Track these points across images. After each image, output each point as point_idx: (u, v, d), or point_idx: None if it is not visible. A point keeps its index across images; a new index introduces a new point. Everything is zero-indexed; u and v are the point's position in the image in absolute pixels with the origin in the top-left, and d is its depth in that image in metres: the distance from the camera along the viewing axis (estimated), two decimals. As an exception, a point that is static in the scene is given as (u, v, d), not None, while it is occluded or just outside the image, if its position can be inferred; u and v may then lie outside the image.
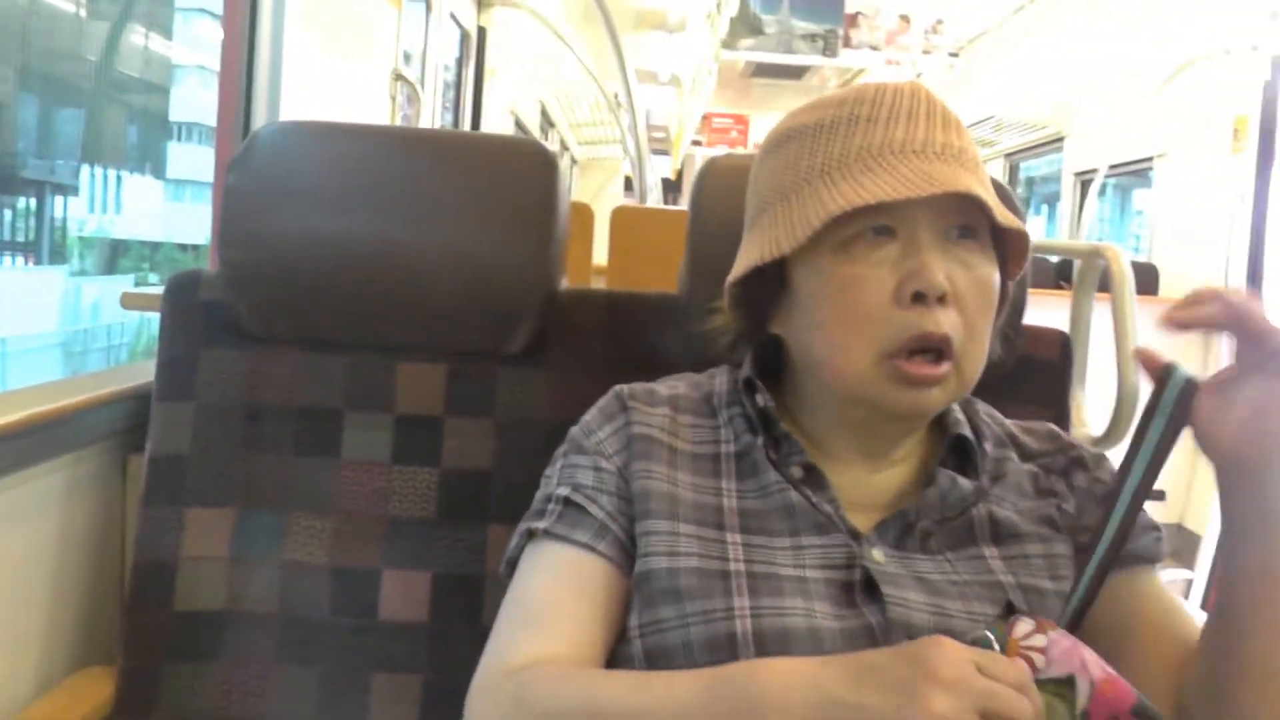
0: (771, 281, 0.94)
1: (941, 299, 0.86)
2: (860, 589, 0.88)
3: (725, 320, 1.00)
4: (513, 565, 0.96)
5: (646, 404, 0.99)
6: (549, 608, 0.90)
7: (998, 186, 1.15)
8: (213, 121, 1.98)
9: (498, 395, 1.25)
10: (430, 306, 1.23)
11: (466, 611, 1.21)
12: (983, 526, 0.94)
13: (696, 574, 0.88)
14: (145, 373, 1.35)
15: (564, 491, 0.95)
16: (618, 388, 1.02)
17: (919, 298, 0.85)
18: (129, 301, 1.55)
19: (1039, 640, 0.79)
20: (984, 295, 0.89)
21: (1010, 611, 0.88)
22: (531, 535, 0.95)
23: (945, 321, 0.86)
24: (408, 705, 1.19)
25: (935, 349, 0.86)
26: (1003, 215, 0.88)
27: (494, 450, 1.24)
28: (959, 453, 0.98)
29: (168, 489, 1.22)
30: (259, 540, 1.21)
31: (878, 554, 0.90)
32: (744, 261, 0.94)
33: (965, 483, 0.94)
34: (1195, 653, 0.86)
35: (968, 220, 0.88)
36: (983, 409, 1.04)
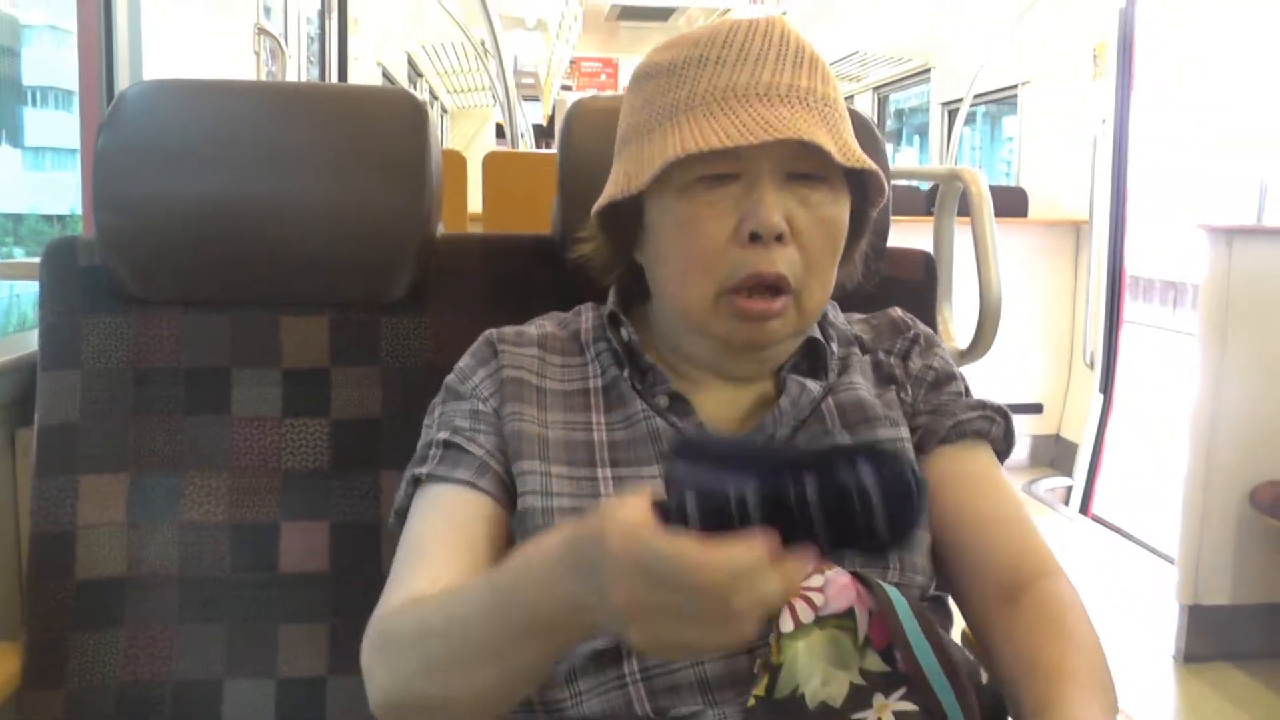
0: (630, 212, 0.98)
1: (779, 238, 0.90)
2: None
3: (593, 248, 1.05)
4: (401, 515, 1.00)
5: (515, 346, 1.03)
6: (430, 546, 0.94)
7: (858, 121, 1.20)
8: (69, 84, 1.93)
9: (382, 343, 1.27)
10: (310, 259, 1.24)
11: (365, 558, 1.24)
12: (833, 415, 1.00)
13: (570, 513, 0.93)
14: (26, 344, 1.34)
15: (444, 435, 0.99)
16: (488, 332, 1.06)
17: (755, 238, 0.90)
18: (5, 271, 1.53)
19: (816, 580, 0.84)
20: (827, 233, 0.93)
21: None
22: (417, 482, 0.98)
23: (780, 260, 0.91)
24: (315, 654, 1.22)
25: (771, 286, 0.91)
26: (846, 158, 0.90)
27: (381, 398, 1.26)
28: (810, 355, 1.03)
29: (60, 458, 1.22)
30: (155, 503, 1.22)
31: None
32: (605, 194, 0.98)
33: (813, 385, 1.00)
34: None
35: (809, 164, 0.91)
36: (831, 311, 1.09)
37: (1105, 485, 4.45)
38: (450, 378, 1.04)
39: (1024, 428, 4.97)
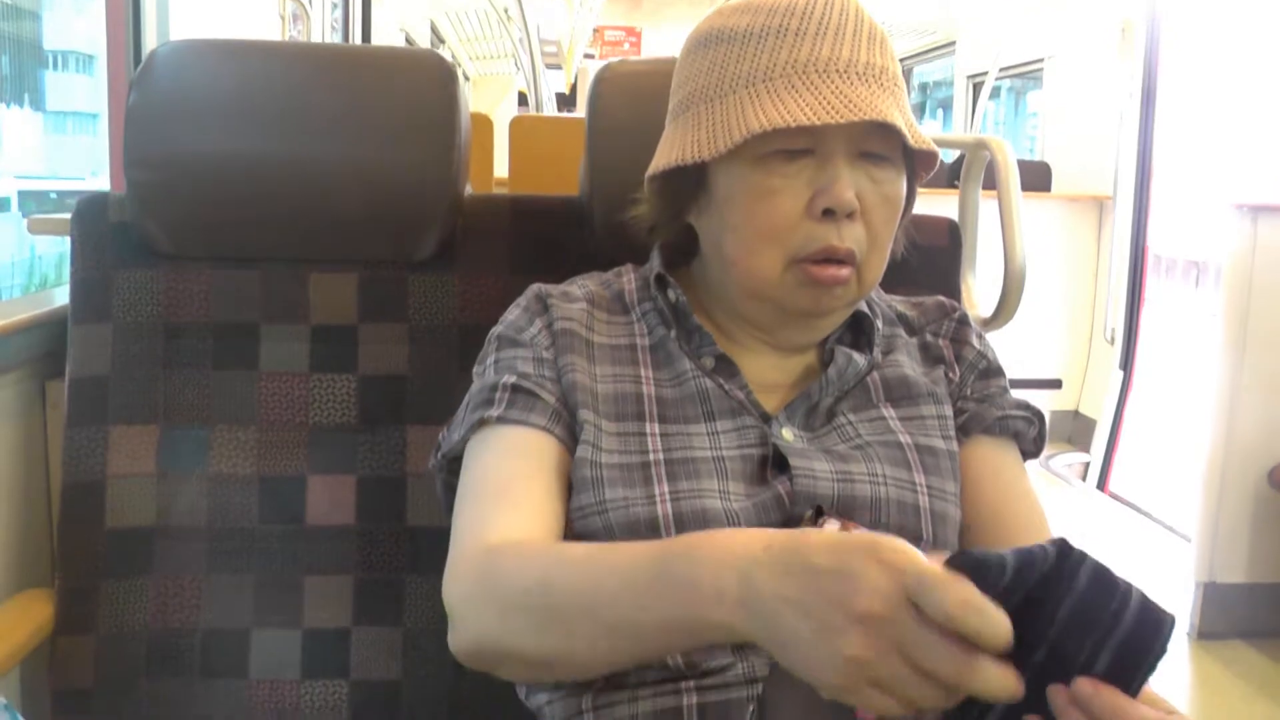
0: (691, 178, 0.98)
1: (850, 215, 0.92)
2: (771, 465, 0.95)
3: (645, 210, 1.05)
4: (450, 460, 0.99)
5: (564, 301, 1.03)
6: (515, 487, 0.92)
7: None
8: (89, 49, 1.95)
9: (409, 301, 1.28)
10: (339, 217, 1.25)
11: (391, 512, 1.25)
12: (878, 389, 1.02)
13: (618, 468, 0.94)
14: (56, 299, 1.35)
15: (511, 379, 0.97)
16: (536, 286, 1.05)
17: (829, 213, 0.91)
18: (36, 226, 1.54)
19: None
20: (890, 210, 0.95)
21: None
22: (482, 423, 0.96)
23: (850, 236, 0.92)
24: (340, 605, 1.24)
25: (839, 260, 0.93)
26: (916, 140, 0.92)
27: (408, 355, 1.27)
28: (855, 330, 1.05)
29: (91, 410, 1.24)
30: (184, 455, 1.24)
31: (787, 434, 0.97)
32: (665, 157, 0.98)
33: (859, 357, 1.01)
34: None
35: (882, 145, 0.93)
36: (874, 293, 1.10)
37: (1123, 462, 4.45)
38: (501, 329, 1.03)
39: (1043, 403, 4.96)
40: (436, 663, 1.23)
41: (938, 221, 1.35)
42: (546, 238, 1.29)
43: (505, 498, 0.91)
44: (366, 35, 5.01)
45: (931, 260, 1.30)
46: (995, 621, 0.58)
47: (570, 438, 0.96)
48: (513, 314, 1.04)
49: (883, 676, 0.60)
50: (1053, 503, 4.16)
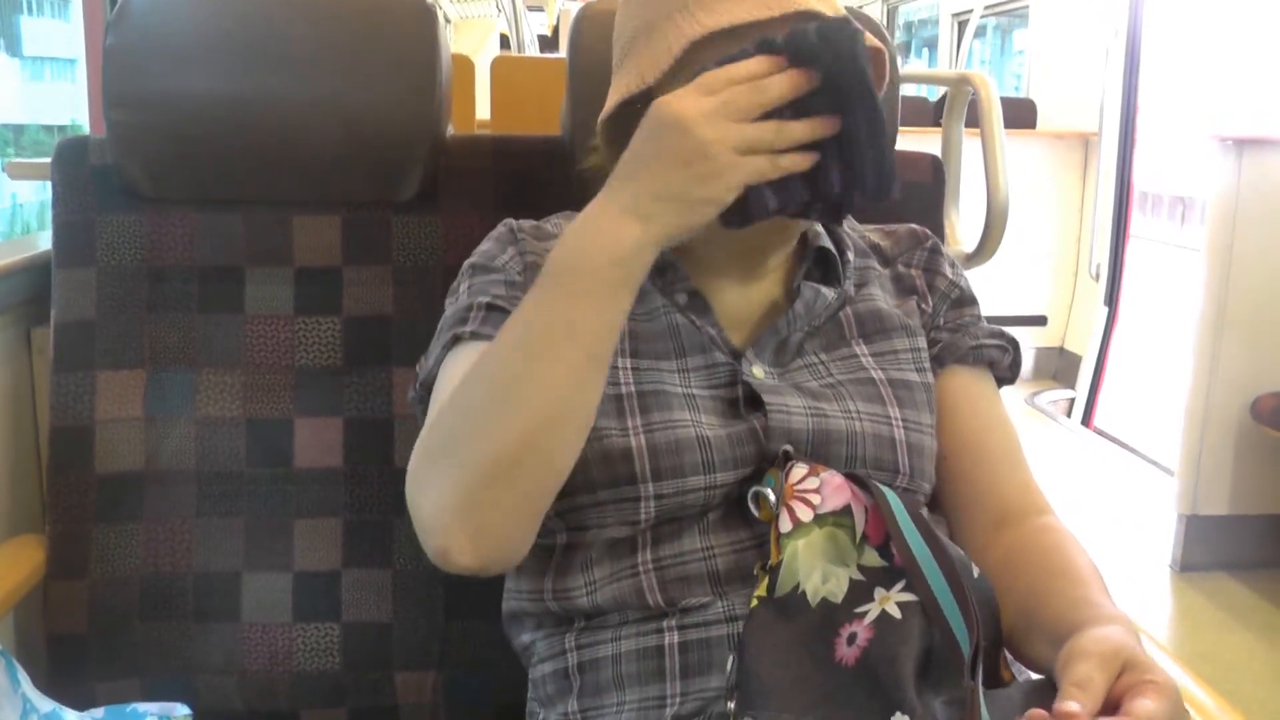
0: (640, 114, 0.95)
1: None
2: (744, 402, 0.95)
3: (599, 158, 1.03)
4: (426, 387, 0.99)
5: (535, 238, 1.03)
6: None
7: (867, 24, 1.20)
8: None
9: (393, 242, 1.28)
10: (321, 159, 1.25)
11: (379, 454, 1.26)
12: (850, 325, 1.02)
13: None
14: (39, 245, 1.35)
15: (484, 299, 0.97)
16: (507, 220, 1.06)
17: None
18: (15, 170, 1.53)
19: (812, 483, 0.87)
20: None
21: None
22: (456, 340, 0.96)
23: None
24: (329, 546, 1.25)
25: None
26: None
27: (393, 296, 1.27)
28: (823, 264, 1.04)
29: (77, 354, 1.24)
30: (171, 398, 1.24)
31: (757, 370, 0.97)
32: (613, 97, 0.97)
33: (828, 291, 1.01)
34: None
35: None
36: (845, 223, 1.10)
37: (1108, 398, 4.48)
38: (474, 259, 1.03)
39: (1028, 340, 4.98)
40: (427, 604, 1.24)
41: (921, 157, 1.35)
42: (529, 177, 1.29)
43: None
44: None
45: (915, 196, 1.31)
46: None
47: None
48: (485, 245, 1.04)
49: (762, 143, 0.78)
50: (1038, 439, 4.20)
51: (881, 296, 1.05)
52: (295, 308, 1.27)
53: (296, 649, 1.23)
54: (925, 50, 9.14)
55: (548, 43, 9.34)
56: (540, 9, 10.70)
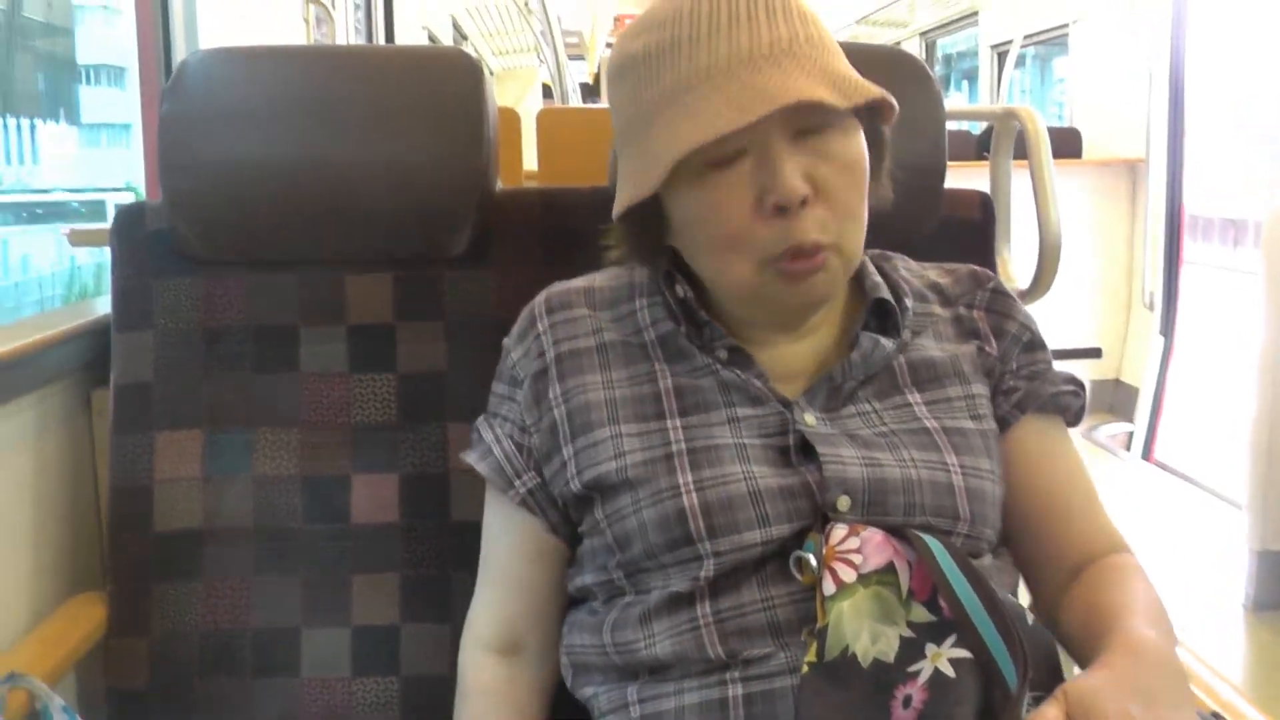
0: (650, 208, 0.95)
1: (804, 201, 0.88)
2: (796, 451, 0.94)
3: (625, 250, 1.02)
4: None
5: (563, 312, 1.04)
6: (487, 558, 1.08)
7: (906, 63, 1.20)
8: (121, 61, 1.98)
9: (445, 297, 1.29)
10: (372, 217, 1.26)
11: (435, 509, 1.26)
12: (903, 373, 1.00)
13: (643, 465, 0.94)
14: (98, 309, 1.37)
15: (480, 419, 1.08)
16: (535, 301, 1.07)
17: (781, 210, 0.88)
18: (77, 238, 1.56)
19: (853, 543, 0.86)
20: (851, 175, 0.91)
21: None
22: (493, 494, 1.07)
23: (812, 226, 0.89)
24: (387, 601, 1.25)
25: (809, 252, 0.90)
26: (849, 98, 0.87)
27: (446, 351, 1.28)
28: (880, 314, 1.02)
29: (136, 416, 1.25)
30: (229, 458, 1.26)
31: (809, 418, 0.96)
32: (620, 200, 0.95)
33: (887, 342, 0.99)
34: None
35: (815, 118, 0.88)
36: (901, 264, 1.09)
37: (1168, 430, 4.40)
38: (505, 341, 1.08)
39: (1083, 373, 4.88)
40: None
41: (969, 195, 1.34)
42: (578, 229, 1.30)
43: (484, 573, 1.09)
44: (390, 34, 5.03)
45: (965, 234, 1.30)
46: None
47: (501, 475, 1.04)
48: (514, 329, 1.08)
49: None
50: (1098, 473, 4.07)
51: (936, 345, 1.03)
52: (350, 365, 1.28)
53: (356, 703, 1.23)
54: (965, 83, 9.12)
55: (589, 90, 9.43)
56: (581, 57, 10.82)
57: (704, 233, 0.93)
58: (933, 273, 1.10)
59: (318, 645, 1.24)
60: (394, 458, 1.27)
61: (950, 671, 0.79)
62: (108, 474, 1.26)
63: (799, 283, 0.92)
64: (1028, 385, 1.03)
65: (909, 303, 1.03)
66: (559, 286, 1.08)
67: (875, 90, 0.89)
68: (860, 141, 0.92)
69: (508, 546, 1.05)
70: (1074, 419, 1.06)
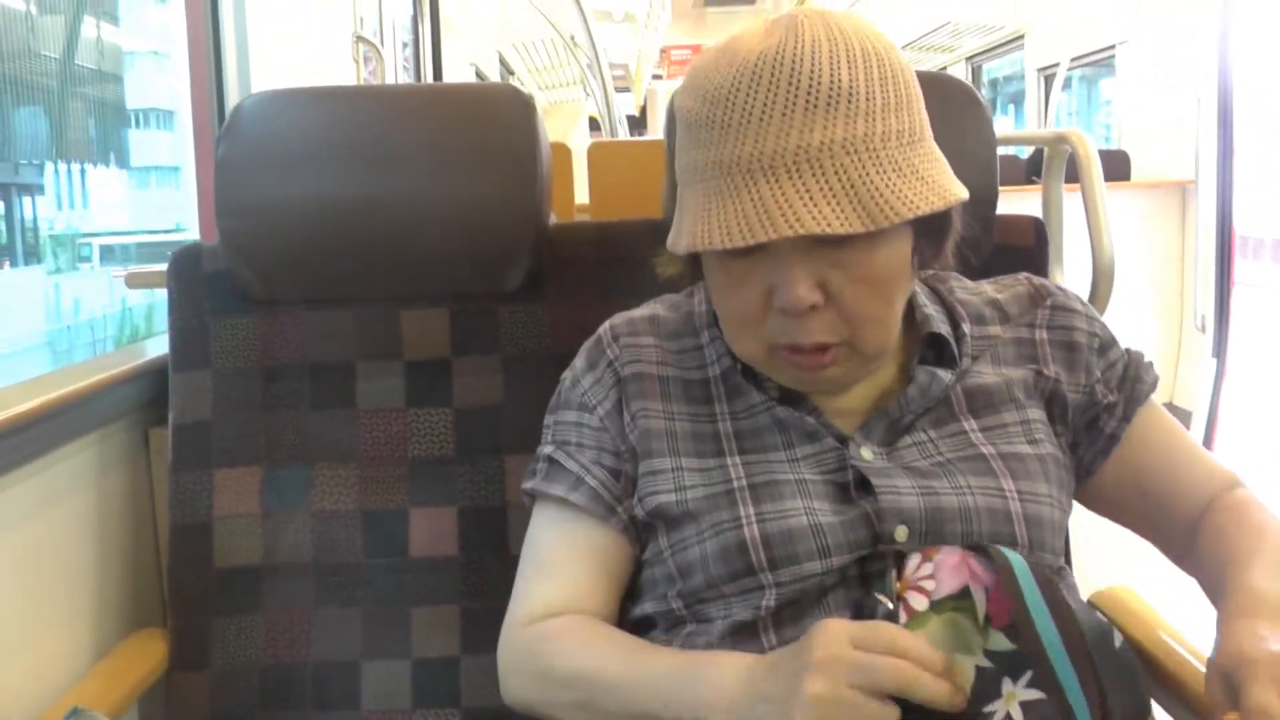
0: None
1: (813, 308, 0.87)
2: (854, 487, 0.94)
3: (679, 268, 1.02)
4: (530, 495, 1.07)
5: (630, 337, 1.04)
6: (549, 561, 1.02)
7: (956, 91, 1.18)
8: (169, 105, 2.02)
9: (500, 332, 1.30)
10: (427, 254, 1.27)
11: (494, 541, 1.27)
12: (959, 401, 1.00)
13: (704, 499, 0.95)
14: (152, 349, 1.39)
15: (548, 450, 1.05)
16: (602, 329, 1.07)
17: (786, 310, 0.87)
18: (134, 280, 1.59)
19: (927, 569, 0.84)
20: (869, 288, 0.88)
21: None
22: (532, 495, 1.06)
23: (817, 329, 0.88)
24: (447, 634, 1.25)
25: (813, 350, 0.90)
26: (872, 221, 0.82)
27: (502, 384, 1.29)
28: (936, 344, 1.01)
29: (194, 454, 1.27)
30: (288, 493, 1.27)
31: (866, 453, 0.95)
32: (670, 238, 0.94)
33: (944, 374, 0.98)
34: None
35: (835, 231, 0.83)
36: (957, 284, 1.08)
37: (1221, 453, 4.33)
38: (566, 376, 1.07)
39: (1135, 397, 4.84)
40: None
41: (1022, 221, 1.33)
42: (632, 262, 1.29)
43: (542, 571, 1.02)
44: (438, 71, 5.09)
45: (1018, 260, 1.29)
46: (926, 650, 0.77)
47: (596, 504, 1.00)
48: (577, 360, 1.07)
49: (845, 708, 0.75)
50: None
51: (993, 370, 1.02)
52: (406, 400, 1.29)
53: None
54: (1010, 107, 9.09)
55: (636, 122, 9.49)
56: (627, 89, 10.91)
57: (721, 304, 0.94)
58: (989, 288, 1.08)
59: (377, 678, 1.24)
60: (452, 491, 1.27)
61: (1020, 716, 0.77)
62: (167, 511, 1.27)
63: (808, 372, 0.92)
64: (1120, 394, 1.03)
65: (966, 328, 1.03)
66: (623, 316, 1.08)
67: (910, 210, 0.83)
68: (895, 250, 0.89)
69: (589, 577, 1.01)
70: (1154, 387, 1.06)
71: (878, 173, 0.83)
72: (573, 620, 0.98)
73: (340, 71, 2.94)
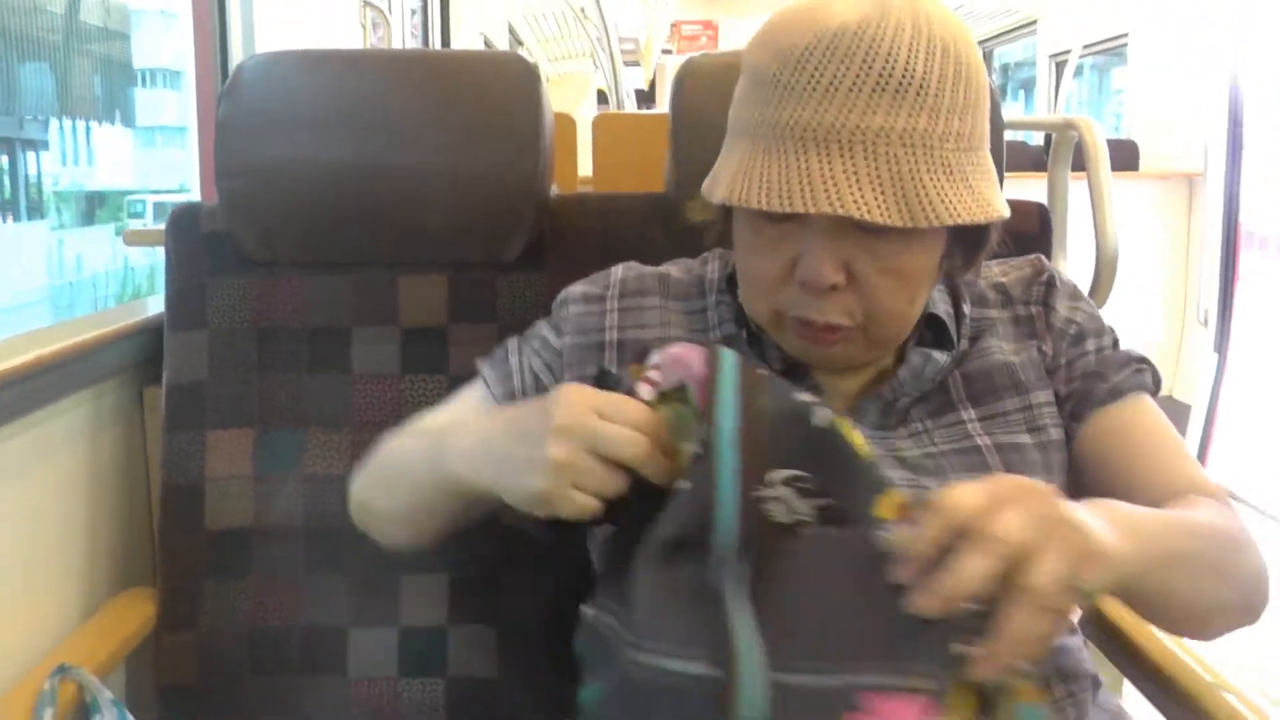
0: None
1: (834, 287, 0.85)
2: None
3: (705, 215, 0.99)
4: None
5: (637, 298, 1.04)
6: (445, 410, 1.07)
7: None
8: (176, 65, 2.00)
9: (499, 302, 1.29)
10: (427, 221, 1.26)
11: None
12: (958, 388, 0.98)
13: None
14: (152, 307, 1.39)
15: (515, 340, 1.10)
16: (612, 271, 1.08)
17: (806, 285, 0.86)
18: (132, 239, 1.58)
19: (654, 359, 0.81)
20: (894, 281, 0.87)
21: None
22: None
23: (833, 310, 0.87)
24: (436, 604, 1.25)
25: (825, 328, 0.88)
26: (911, 219, 0.81)
27: None
28: (936, 326, 0.99)
29: (188, 415, 1.26)
30: (280, 457, 1.26)
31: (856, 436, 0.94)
32: (707, 182, 0.93)
33: (940, 356, 0.97)
34: None
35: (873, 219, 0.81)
36: None
37: (1220, 449, 4.33)
38: (560, 295, 1.10)
39: (1135, 389, 4.84)
40: (534, 660, 1.23)
41: (1027, 206, 1.32)
42: (634, 235, 1.29)
43: (433, 413, 1.07)
44: (446, 39, 5.07)
45: (1023, 246, 1.27)
46: (660, 430, 0.76)
47: (510, 397, 1.05)
48: (579, 285, 1.09)
49: (580, 473, 0.75)
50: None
51: (997, 347, 1.00)
52: (402, 367, 1.28)
53: (403, 704, 1.23)
54: (1021, 93, 9.06)
55: (644, 96, 9.46)
56: (636, 64, 10.85)
57: (741, 264, 0.93)
58: (996, 269, 1.06)
59: (365, 645, 1.24)
60: None
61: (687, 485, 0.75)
62: (159, 471, 1.27)
63: (814, 345, 0.91)
64: (1080, 386, 0.99)
65: (967, 309, 1.01)
66: (636, 268, 1.08)
67: (957, 217, 0.82)
68: (927, 251, 0.88)
69: (462, 407, 1.07)
70: (1152, 391, 1.01)
71: (928, 171, 0.82)
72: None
73: (347, 35, 2.93)
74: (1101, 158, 1.59)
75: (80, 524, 1.27)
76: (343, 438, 1.27)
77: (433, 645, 1.24)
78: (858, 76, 0.80)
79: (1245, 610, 0.88)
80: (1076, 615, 1.08)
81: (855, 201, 0.80)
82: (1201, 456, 4.34)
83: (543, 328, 1.08)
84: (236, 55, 1.97)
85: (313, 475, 1.26)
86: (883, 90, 0.80)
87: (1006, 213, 0.88)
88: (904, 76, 0.80)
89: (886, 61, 0.80)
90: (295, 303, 1.28)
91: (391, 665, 1.24)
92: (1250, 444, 4.19)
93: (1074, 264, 1.68)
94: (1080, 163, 1.64)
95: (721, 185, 0.87)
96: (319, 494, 1.26)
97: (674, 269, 1.08)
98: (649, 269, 1.08)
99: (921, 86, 0.80)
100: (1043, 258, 1.08)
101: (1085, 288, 1.69)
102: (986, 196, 0.86)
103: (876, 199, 0.80)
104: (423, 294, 1.29)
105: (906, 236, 0.84)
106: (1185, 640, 1.06)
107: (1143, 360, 1.01)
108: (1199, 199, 4.65)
